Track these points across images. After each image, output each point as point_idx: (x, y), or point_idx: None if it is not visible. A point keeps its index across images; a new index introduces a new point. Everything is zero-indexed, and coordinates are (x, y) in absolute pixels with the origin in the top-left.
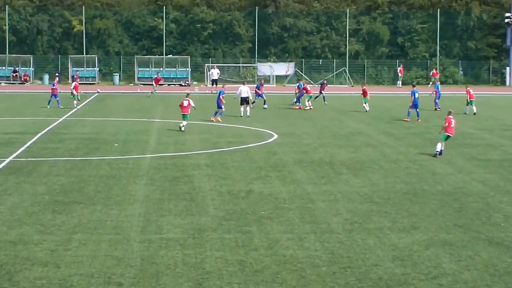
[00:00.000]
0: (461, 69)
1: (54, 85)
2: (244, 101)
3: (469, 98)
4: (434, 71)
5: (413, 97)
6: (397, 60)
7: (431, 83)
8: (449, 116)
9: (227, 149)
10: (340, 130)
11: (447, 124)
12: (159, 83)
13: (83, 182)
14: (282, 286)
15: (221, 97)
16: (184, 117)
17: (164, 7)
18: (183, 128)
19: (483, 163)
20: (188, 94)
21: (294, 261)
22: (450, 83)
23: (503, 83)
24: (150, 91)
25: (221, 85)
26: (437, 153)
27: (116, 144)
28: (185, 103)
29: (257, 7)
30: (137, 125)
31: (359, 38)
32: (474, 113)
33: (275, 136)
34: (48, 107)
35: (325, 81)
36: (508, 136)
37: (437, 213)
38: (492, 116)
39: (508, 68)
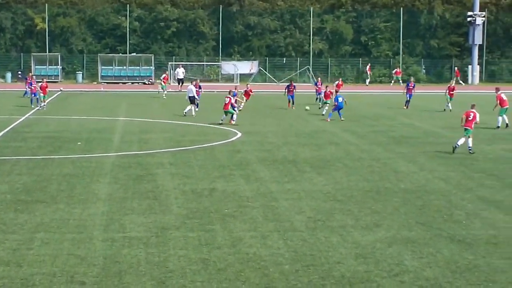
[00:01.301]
0: (423, 67)
1: (32, 84)
2: (191, 100)
3: (449, 96)
4: (397, 69)
5: (336, 102)
6: (360, 59)
7: (393, 81)
8: (471, 109)
9: (190, 148)
10: (304, 128)
11: (465, 117)
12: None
13: (46, 181)
14: (245, 284)
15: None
16: (225, 113)
17: (128, 5)
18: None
19: (445, 161)
20: (230, 91)
21: (257, 259)
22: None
23: (465, 81)
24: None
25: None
26: (469, 149)
27: (79, 143)
28: (226, 100)
29: (221, 6)
30: (100, 124)
31: (322, 37)
32: (450, 110)
33: (239, 134)
34: (32, 106)
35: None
36: None
37: (400, 211)
38: (454, 114)
39: (470, 67)
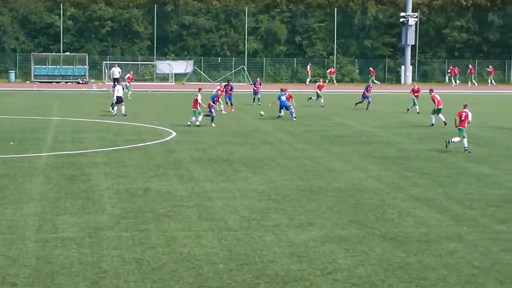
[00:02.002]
0: (357, 67)
1: None
2: (119, 100)
3: (415, 97)
4: (331, 69)
5: (279, 100)
6: (295, 59)
7: (326, 81)
8: (463, 109)
9: (125, 147)
10: (238, 128)
11: (458, 118)
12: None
13: None
14: (179, 284)
15: (211, 102)
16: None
17: (61, 3)
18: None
19: (378, 160)
20: (199, 89)
21: (192, 258)
22: (347, 81)
23: (398, 81)
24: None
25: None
26: (466, 149)
27: (11, 143)
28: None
29: (156, 5)
30: (33, 123)
31: (257, 37)
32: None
33: (174, 134)
34: None
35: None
36: (403, 133)
37: (333, 209)
38: (387, 114)
39: (403, 67)
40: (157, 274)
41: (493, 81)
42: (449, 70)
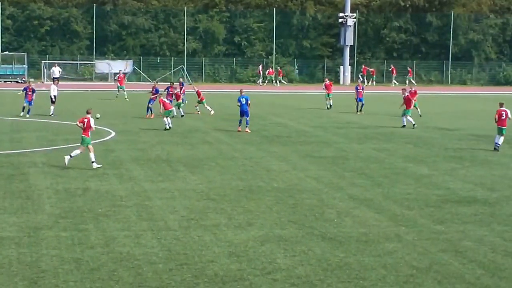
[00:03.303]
0: (296, 67)
1: None
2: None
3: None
4: (270, 69)
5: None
6: (234, 59)
7: (266, 81)
8: (502, 108)
9: (64, 147)
10: (176, 127)
11: (497, 116)
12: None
13: None
14: (119, 284)
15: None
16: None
17: (0, 2)
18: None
19: (317, 160)
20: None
21: (131, 258)
22: (286, 81)
23: (337, 81)
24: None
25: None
26: (496, 146)
27: None
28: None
29: (95, 4)
30: None
31: (196, 36)
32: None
33: (113, 133)
34: None
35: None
36: (341, 133)
37: (272, 209)
38: (326, 114)
39: (342, 67)
40: (97, 274)
41: (412, 81)
42: (390, 69)
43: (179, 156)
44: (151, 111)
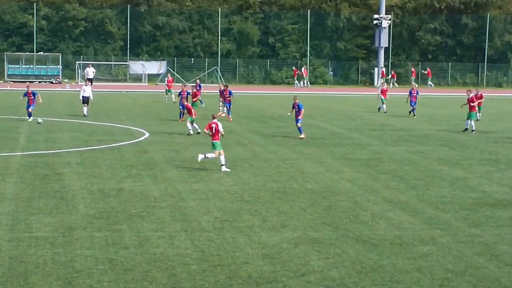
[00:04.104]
0: (330, 69)
1: None
2: (86, 101)
3: (383, 97)
4: (305, 71)
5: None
6: (268, 60)
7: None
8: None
9: (98, 147)
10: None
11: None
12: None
13: None
14: (152, 285)
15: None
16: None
17: (35, 3)
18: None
19: (351, 162)
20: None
21: (165, 259)
22: (320, 83)
23: (371, 83)
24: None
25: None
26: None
27: None
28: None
29: (129, 5)
30: (6, 123)
31: (230, 38)
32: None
33: (146, 134)
34: None
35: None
36: (375, 135)
37: (306, 211)
38: (360, 116)
39: (376, 69)
40: (130, 274)
41: (430, 82)
42: (425, 72)
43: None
44: (183, 114)
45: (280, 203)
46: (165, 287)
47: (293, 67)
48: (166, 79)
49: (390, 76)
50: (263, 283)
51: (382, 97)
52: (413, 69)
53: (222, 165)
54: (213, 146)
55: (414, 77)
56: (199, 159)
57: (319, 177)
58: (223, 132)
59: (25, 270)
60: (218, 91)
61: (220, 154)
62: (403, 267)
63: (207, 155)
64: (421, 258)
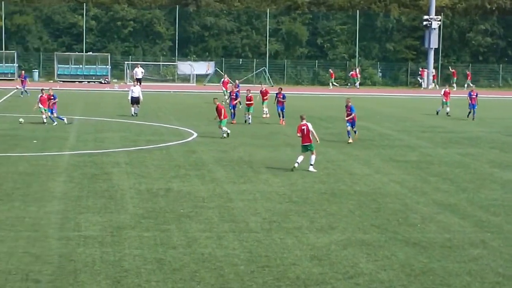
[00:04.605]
0: (379, 70)
1: None
2: (135, 101)
3: (445, 99)
4: (353, 72)
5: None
6: (316, 61)
7: (349, 84)
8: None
9: (146, 147)
10: (260, 130)
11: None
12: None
13: (1, 179)
14: (200, 285)
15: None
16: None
17: (85, 4)
18: None
19: (400, 164)
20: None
21: (213, 259)
22: (369, 84)
23: (421, 85)
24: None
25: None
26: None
27: (35, 141)
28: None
29: (178, 6)
30: (56, 122)
31: (278, 38)
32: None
33: (195, 134)
34: None
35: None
36: (425, 137)
37: (355, 213)
38: (410, 117)
39: (426, 71)
40: (179, 274)
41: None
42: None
43: (261, 158)
44: (234, 115)
45: (328, 204)
46: (213, 287)
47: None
48: (222, 80)
49: (421, 77)
50: (311, 284)
51: (444, 99)
52: (453, 70)
53: (310, 164)
54: (308, 148)
55: (456, 78)
56: (296, 165)
57: (368, 178)
58: (314, 133)
59: (74, 269)
60: (259, 92)
61: (312, 154)
62: (453, 270)
63: (311, 162)
64: (472, 262)
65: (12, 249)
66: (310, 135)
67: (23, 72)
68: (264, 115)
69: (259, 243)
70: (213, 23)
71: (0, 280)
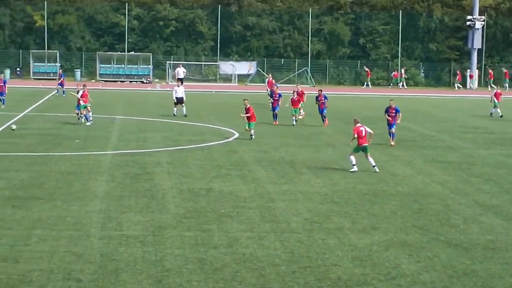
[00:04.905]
0: (422, 71)
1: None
2: (179, 101)
3: (496, 100)
4: (395, 72)
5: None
6: (358, 61)
7: (391, 84)
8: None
9: (188, 147)
10: (301, 130)
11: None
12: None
13: (44, 178)
14: (242, 285)
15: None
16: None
17: (127, 3)
18: None
19: (442, 165)
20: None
21: (254, 259)
22: (411, 84)
23: (464, 85)
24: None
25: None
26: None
27: (77, 140)
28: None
29: (220, 6)
30: (98, 122)
31: (320, 38)
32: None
33: (236, 134)
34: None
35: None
36: (467, 138)
37: (397, 214)
38: (452, 118)
39: (469, 71)
40: (220, 274)
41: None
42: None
43: (302, 158)
44: (276, 116)
45: (370, 205)
46: (254, 287)
47: (365, 68)
48: (267, 79)
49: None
50: (353, 285)
51: (496, 100)
52: (505, 71)
53: (373, 166)
54: (364, 149)
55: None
56: (355, 168)
57: (410, 179)
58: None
59: (115, 268)
60: (293, 92)
61: (368, 155)
62: (496, 272)
63: (352, 160)
64: None
65: (54, 248)
66: (368, 137)
67: (60, 71)
68: (300, 116)
69: (300, 243)
70: (255, 23)
71: (42, 279)
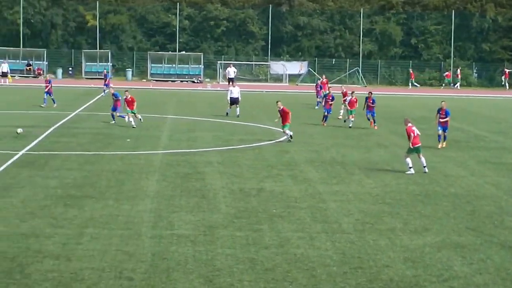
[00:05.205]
0: (475, 71)
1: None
2: (234, 101)
3: None
4: (448, 72)
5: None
6: (410, 61)
7: (444, 84)
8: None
9: (239, 147)
10: (352, 130)
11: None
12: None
13: (95, 177)
14: (293, 285)
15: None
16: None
17: (178, 3)
18: None
19: (496, 166)
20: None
21: (305, 260)
22: (464, 85)
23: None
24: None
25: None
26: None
27: (128, 140)
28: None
29: (271, 5)
30: (149, 121)
31: (372, 38)
32: None
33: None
34: (44, 105)
35: None
36: None
37: (449, 215)
38: (505, 119)
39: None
40: (271, 274)
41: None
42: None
43: (354, 159)
44: (326, 118)
45: (422, 206)
46: None
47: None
48: (319, 80)
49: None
50: (405, 287)
51: None
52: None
53: (424, 166)
54: (416, 150)
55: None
56: (412, 171)
57: (463, 180)
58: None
59: (167, 267)
60: (351, 93)
61: (420, 158)
62: None
63: (409, 162)
64: None
65: (106, 246)
66: (418, 137)
67: (105, 70)
68: (340, 116)
69: (352, 244)
70: (306, 22)
71: (94, 277)
